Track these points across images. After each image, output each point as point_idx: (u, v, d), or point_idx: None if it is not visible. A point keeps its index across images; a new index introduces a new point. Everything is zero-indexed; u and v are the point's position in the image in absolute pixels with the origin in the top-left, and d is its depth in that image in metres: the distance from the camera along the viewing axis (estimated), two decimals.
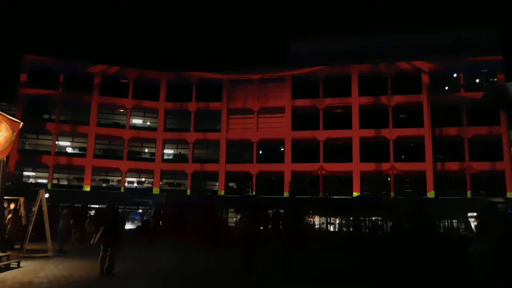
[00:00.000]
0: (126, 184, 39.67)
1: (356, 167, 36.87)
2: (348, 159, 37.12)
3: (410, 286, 9.95)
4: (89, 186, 38.38)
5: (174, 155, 42.03)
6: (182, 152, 41.73)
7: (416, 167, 35.90)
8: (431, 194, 35.08)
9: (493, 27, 37.93)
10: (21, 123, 12.69)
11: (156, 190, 39.52)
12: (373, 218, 31.47)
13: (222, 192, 38.83)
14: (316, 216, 36.60)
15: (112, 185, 39.92)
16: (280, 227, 25.63)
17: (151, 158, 40.71)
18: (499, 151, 34.98)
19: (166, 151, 41.55)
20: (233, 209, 38.47)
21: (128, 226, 34.17)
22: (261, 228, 13.38)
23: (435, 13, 78.48)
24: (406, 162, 36.29)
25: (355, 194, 36.33)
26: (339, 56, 38.54)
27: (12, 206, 16.23)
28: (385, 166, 36.52)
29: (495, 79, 36.57)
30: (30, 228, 14.59)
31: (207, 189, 40.82)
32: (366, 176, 36.90)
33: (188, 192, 39.38)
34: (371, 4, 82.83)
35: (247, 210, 12.77)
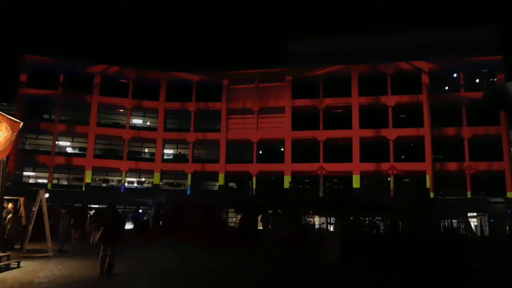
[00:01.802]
0: (126, 184, 39.66)
1: (356, 167, 36.87)
2: (348, 159, 37.12)
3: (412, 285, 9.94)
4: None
5: (174, 155, 42.02)
6: (182, 152, 41.72)
7: (416, 167, 35.90)
8: (431, 194, 35.06)
9: (493, 27, 37.93)
10: (21, 123, 12.69)
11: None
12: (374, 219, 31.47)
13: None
14: (316, 216, 36.60)
15: (112, 185, 39.90)
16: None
17: (151, 158, 40.71)
18: (499, 151, 34.98)
19: (166, 151, 41.54)
20: (233, 209, 38.53)
21: (128, 226, 34.15)
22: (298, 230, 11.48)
23: (435, 13, 78.49)
24: (406, 162, 36.30)
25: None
26: (339, 56, 38.52)
27: (10, 206, 16.21)
28: (385, 166, 36.52)
29: (495, 79, 36.56)
30: (30, 228, 14.59)
31: (207, 189, 40.84)
32: (366, 176, 36.90)
33: (188, 191, 39.37)
34: (371, 4, 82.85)
35: (279, 211, 11.82)
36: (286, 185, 37.12)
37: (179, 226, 21.94)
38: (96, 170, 39.29)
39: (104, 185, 39.78)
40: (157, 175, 39.80)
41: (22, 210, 17.73)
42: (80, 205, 33.19)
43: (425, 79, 37.30)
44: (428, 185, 35.25)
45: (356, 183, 36.53)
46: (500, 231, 31.80)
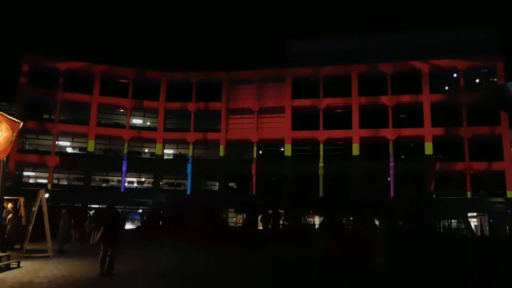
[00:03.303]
0: (126, 184, 39.65)
1: (356, 166, 36.78)
2: (348, 159, 37.07)
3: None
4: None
5: (174, 155, 42.02)
6: (182, 152, 41.73)
7: (416, 167, 35.83)
8: (431, 194, 35.04)
9: (493, 27, 37.92)
10: (21, 123, 12.68)
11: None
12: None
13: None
14: (316, 216, 36.58)
15: (112, 185, 39.90)
16: (281, 227, 25.68)
17: (151, 158, 40.72)
18: (499, 151, 34.97)
19: (166, 151, 41.54)
20: (233, 209, 38.54)
21: (128, 226, 34.17)
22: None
23: (435, 13, 78.47)
24: (406, 162, 36.24)
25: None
26: (339, 56, 38.48)
27: (9, 206, 16.19)
28: (385, 165, 36.46)
29: (495, 79, 36.57)
30: (30, 228, 14.58)
31: (207, 189, 40.84)
32: (366, 176, 36.81)
33: (188, 191, 39.35)
34: (371, 4, 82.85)
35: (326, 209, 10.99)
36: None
37: (179, 226, 21.95)
38: (96, 170, 39.32)
39: (104, 185, 39.78)
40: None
41: (22, 210, 17.70)
42: (80, 205, 33.27)
43: (425, 79, 37.29)
44: (428, 184, 35.22)
45: (355, 182, 36.49)
46: (500, 231, 31.81)
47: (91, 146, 38.76)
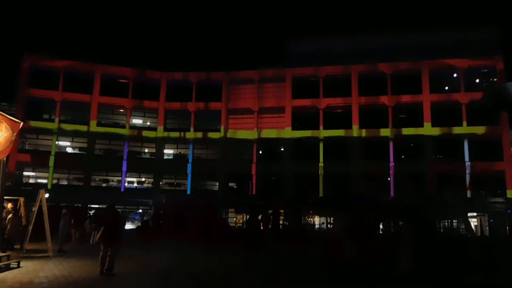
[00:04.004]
0: (126, 184, 39.64)
1: (356, 167, 36.77)
2: (348, 159, 37.04)
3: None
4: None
5: (174, 155, 42.01)
6: (182, 152, 41.72)
7: (416, 167, 35.84)
8: (431, 194, 35.01)
9: (493, 27, 37.92)
10: (21, 123, 12.67)
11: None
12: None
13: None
14: (316, 216, 36.58)
15: (112, 185, 39.88)
16: (280, 227, 25.67)
17: (151, 158, 40.70)
18: (499, 151, 34.97)
19: (166, 151, 41.52)
20: (233, 209, 38.51)
21: (128, 226, 34.16)
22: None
23: (435, 13, 78.47)
24: (406, 162, 36.22)
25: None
26: (339, 56, 38.50)
27: (9, 205, 16.17)
28: (385, 166, 36.44)
29: (495, 79, 36.58)
30: (30, 228, 14.57)
31: (207, 189, 40.82)
32: (366, 176, 36.81)
33: (188, 191, 39.34)
34: (371, 4, 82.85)
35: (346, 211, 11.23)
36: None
37: (179, 226, 21.95)
38: (96, 170, 39.30)
39: (104, 185, 39.77)
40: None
41: (22, 210, 17.68)
42: (80, 205, 33.26)
43: (425, 79, 37.29)
44: (428, 185, 35.21)
45: (355, 182, 36.48)
46: (500, 231, 31.80)
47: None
